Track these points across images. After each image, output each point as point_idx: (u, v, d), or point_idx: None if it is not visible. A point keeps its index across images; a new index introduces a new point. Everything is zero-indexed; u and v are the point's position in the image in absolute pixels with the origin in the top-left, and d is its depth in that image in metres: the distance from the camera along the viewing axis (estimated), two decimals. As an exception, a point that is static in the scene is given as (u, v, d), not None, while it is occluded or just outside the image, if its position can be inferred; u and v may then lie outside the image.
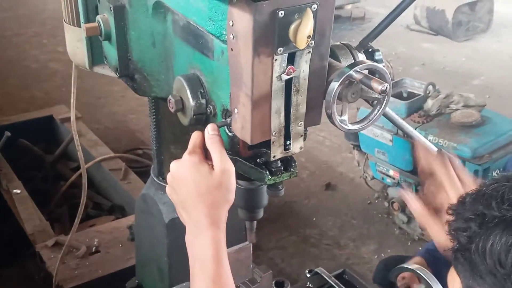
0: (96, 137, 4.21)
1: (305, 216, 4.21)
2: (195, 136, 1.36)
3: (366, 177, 4.17)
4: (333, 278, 2.10)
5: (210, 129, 1.32)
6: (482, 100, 3.81)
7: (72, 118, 2.26)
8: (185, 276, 1.90)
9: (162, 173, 2.05)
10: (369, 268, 3.62)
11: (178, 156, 1.89)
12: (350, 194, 4.48)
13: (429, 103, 3.67)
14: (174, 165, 1.36)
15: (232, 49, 1.21)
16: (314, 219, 4.19)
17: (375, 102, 1.35)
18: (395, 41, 7.49)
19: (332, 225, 4.12)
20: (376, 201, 4.25)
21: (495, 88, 6.24)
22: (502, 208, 0.99)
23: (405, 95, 3.89)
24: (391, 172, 3.79)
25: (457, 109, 3.63)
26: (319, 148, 5.12)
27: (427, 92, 3.74)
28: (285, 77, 1.22)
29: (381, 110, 1.31)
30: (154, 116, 1.96)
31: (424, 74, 6.52)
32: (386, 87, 1.21)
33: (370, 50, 1.53)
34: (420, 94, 3.78)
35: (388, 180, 3.86)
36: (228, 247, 1.32)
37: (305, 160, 4.84)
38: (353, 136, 3.97)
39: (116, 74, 1.68)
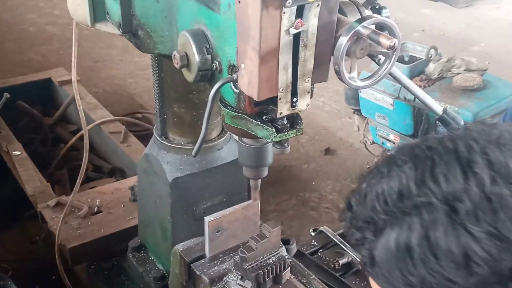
0: (96, 100, 4.17)
1: (305, 180, 4.22)
2: None
3: (366, 141, 4.17)
4: (337, 236, 2.12)
5: None
6: (484, 64, 3.79)
7: (73, 78, 2.24)
8: (188, 235, 1.92)
9: (165, 133, 2.04)
10: (367, 231, 3.64)
11: (181, 115, 1.88)
12: (349, 159, 4.49)
13: (431, 67, 3.65)
14: None
15: (239, 2, 1.20)
16: (313, 183, 4.20)
17: (382, 59, 1.34)
18: (394, 7, 7.39)
19: (332, 189, 4.14)
20: (376, 165, 4.25)
21: (494, 55, 6.20)
22: (389, 211, 0.90)
23: (406, 59, 3.86)
24: (391, 137, 3.80)
25: (458, 73, 3.61)
26: (318, 113, 5.11)
27: (429, 56, 3.72)
28: (293, 31, 1.21)
29: (390, 65, 1.30)
30: (157, 75, 1.94)
31: (423, 40, 6.45)
32: (395, 43, 1.20)
33: (377, 7, 1.51)
34: (421, 58, 3.76)
35: (388, 145, 3.87)
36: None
37: (305, 125, 4.80)
38: (354, 101, 3.95)
39: (119, 30, 1.66)
